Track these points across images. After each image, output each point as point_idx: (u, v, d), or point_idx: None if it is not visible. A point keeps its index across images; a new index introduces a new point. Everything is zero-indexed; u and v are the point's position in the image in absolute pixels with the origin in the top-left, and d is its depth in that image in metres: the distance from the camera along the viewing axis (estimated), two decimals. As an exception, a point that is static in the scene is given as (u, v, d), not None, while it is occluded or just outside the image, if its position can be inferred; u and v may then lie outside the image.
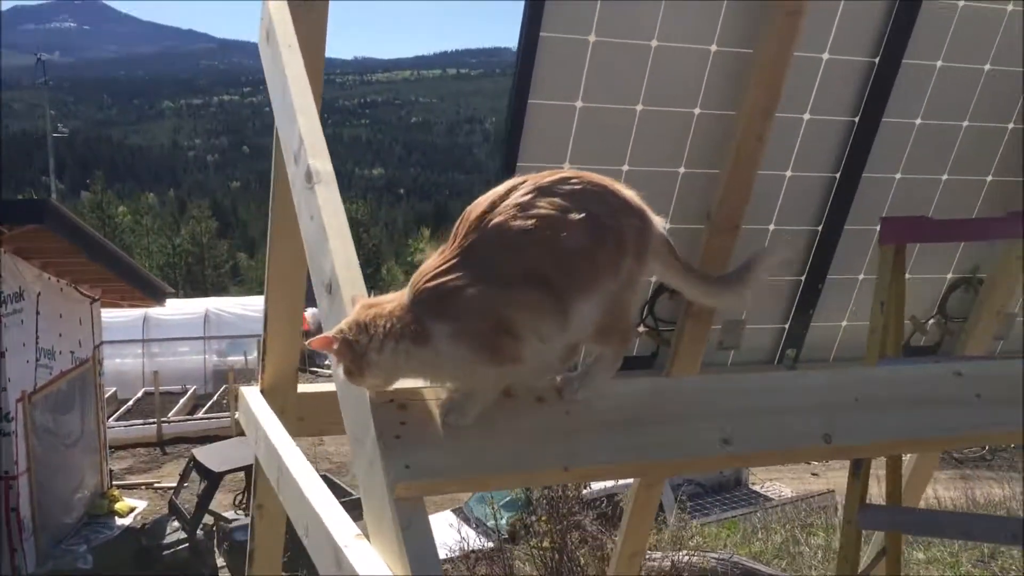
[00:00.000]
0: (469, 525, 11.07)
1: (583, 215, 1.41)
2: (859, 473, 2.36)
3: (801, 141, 2.89)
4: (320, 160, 1.83)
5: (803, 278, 3.15)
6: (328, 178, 1.80)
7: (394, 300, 1.43)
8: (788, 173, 2.93)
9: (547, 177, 1.45)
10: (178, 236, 51.34)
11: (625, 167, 2.80)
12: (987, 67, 2.93)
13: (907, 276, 3.30)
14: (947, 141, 3.03)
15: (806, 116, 2.85)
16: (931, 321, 3.37)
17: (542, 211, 1.40)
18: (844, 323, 3.29)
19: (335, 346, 1.42)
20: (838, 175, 2.98)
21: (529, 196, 1.42)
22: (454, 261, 1.40)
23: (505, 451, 1.42)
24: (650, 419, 1.52)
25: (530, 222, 1.39)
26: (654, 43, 2.64)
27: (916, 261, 3.21)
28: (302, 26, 2.16)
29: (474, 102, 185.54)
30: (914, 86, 2.89)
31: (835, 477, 12.33)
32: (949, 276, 3.32)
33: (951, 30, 2.83)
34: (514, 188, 1.44)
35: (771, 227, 3.01)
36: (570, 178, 1.45)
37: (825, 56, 2.77)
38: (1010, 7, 2.84)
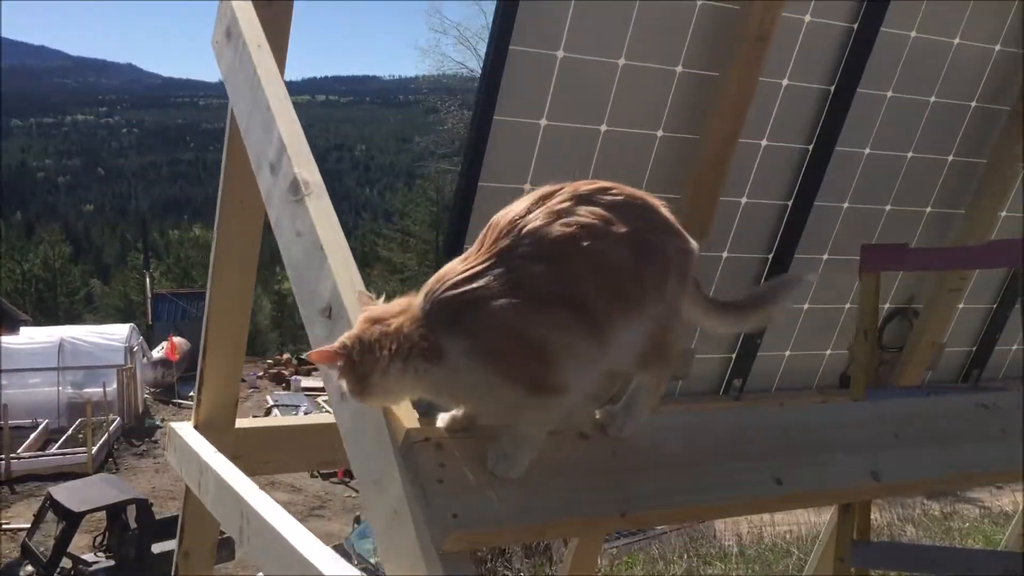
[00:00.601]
0: (351, 561, 10.70)
1: (627, 229, 1.27)
2: (850, 508, 2.30)
3: (758, 167, 2.85)
4: (308, 170, 1.64)
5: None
6: (319, 190, 1.61)
7: (403, 312, 1.24)
8: (743, 200, 2.89)
9: (585, 185, 1.30)
10: (27, 261, 48.49)
11: (586, 190, 2.68)
12: (932, 99, 2.97)
13: (846, 306, 3.32)
14: (893, 171, 3.05)
15: (763, 142, 2.81)
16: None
17: (583, 219, 1.25)
18: (788, 353, 3.26)
19: (339, 363, 1.23)
20: (790, 203, 2.95)
21: (568, 203, 1.27)
22: (479, 267, 1.22)
23: (558, 496, 1.26)
24: (701, 459, 1.39)
25: (570, 229, 1.24)
26: (621, 61, 2.54)
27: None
28: (267, 26, 1.95)
29: (343, 129, 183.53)
30: (866, 116, 2.90)
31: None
32: (886, 306, 3.34)
33: (902, 62, 2.86)
34: (549, 195, 1.28)
35: (724, 254, 2.95)
36: (610, 188, 1.30)
37: (784, 82, 2.75)
38: (957, 40, 2.89)
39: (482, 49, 26.92)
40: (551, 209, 1.26)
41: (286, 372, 27.28)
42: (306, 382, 24.56)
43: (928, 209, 3.17)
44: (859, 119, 2.88)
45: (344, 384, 1.24)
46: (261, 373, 27.31)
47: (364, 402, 1.26)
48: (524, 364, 1.20)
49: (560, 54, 2.46)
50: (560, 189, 1.29)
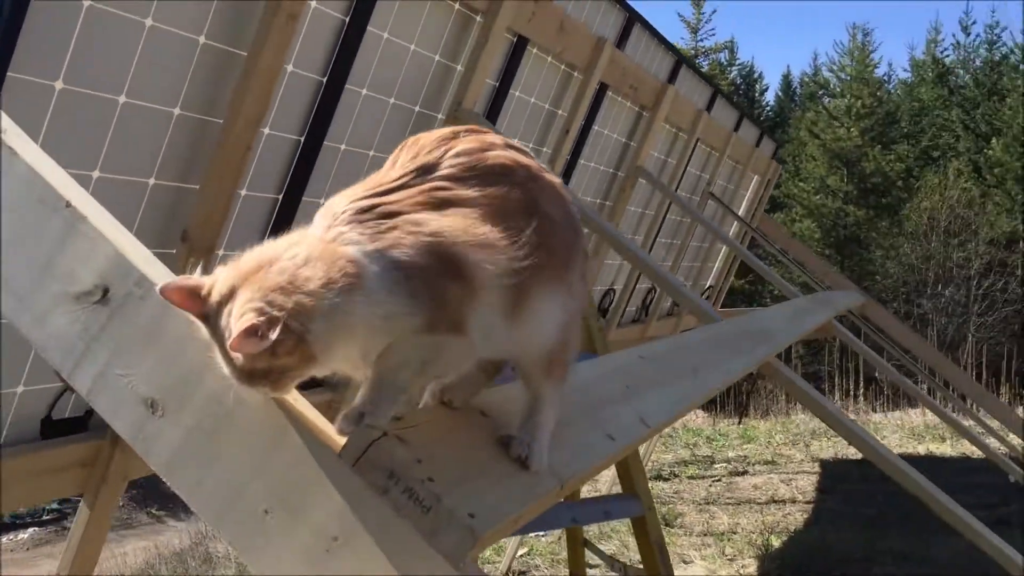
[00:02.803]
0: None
1: (556, 185, 1.16)
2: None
3: (258, 158, 2.65)
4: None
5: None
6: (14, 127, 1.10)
7: (298, 243, 0.98)
8: (243, 192, 2.65)
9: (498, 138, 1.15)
10: None
11: (96, 173, 2.18)
12: (392, 100, 3.12)
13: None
14: (360, 169, 3.11)
15: (265, 130, 2.63)
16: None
17: (521, 159, 1.11)
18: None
19: (272, 333, 0.90)
20: (281, 196, 2.81)
21: (500, 139, 1.12)
22: (402, 180, 1.02)
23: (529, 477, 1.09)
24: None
25: (509, 160, 1.09)
26: (148, 21, 2.13)
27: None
28: None
29: None
30: (347, 111, 2.91)
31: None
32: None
33: (376, 61, 2.94)
34: (469, 130, 1.11)
35: (220, 252, 2.67)
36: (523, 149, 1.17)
37: (289, 68, 2.61)
38: (413, 47, 3.08)
39: None
40: (482, 138, 1.08)
41: None
42: None
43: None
44: (342, 114, 2.88)
45: (281, 366, 0.93)
46: None
47: (296, 380, 0.98)
48: (439, 291, 0.97)
49: (86, 2, 1.96)
50: (474, 130, 1.11)
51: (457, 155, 1.04)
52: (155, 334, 1.03)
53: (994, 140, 22.76)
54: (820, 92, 28.32)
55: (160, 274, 1.05)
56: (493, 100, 3.65)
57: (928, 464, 8.71)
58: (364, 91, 2.95)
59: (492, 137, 1.10)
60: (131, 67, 2.14)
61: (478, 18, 3.30)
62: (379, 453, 0.96)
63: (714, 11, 27.49)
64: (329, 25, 2.68)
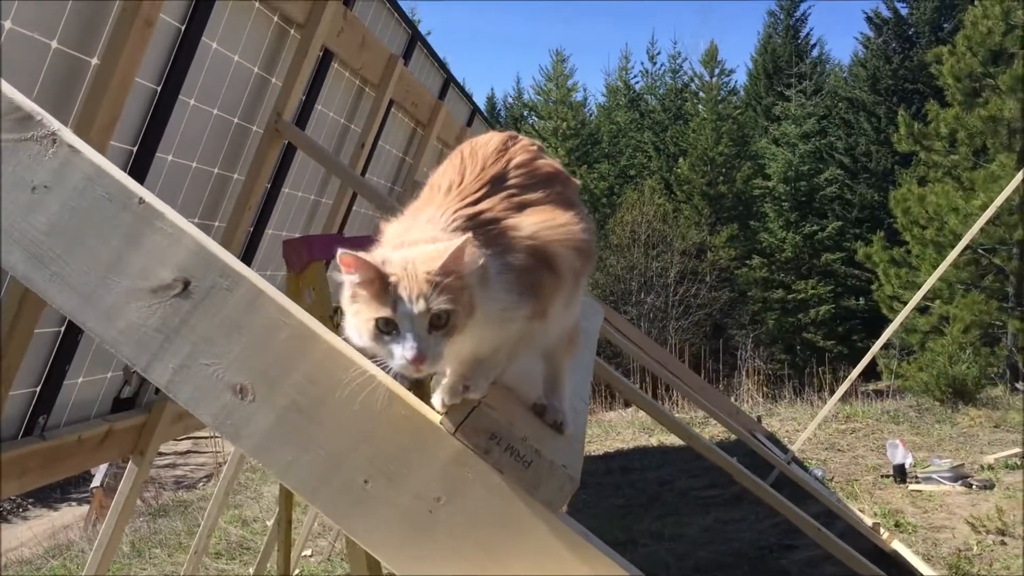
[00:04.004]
0: None
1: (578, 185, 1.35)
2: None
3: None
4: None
5: (62, 329, 2.70)
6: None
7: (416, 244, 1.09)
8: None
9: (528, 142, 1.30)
10: None
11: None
12: (215, 111, 3.07)
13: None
14: (182, 181, 3.03)
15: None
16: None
17: (555, 163, 1.30)
18: (109, 375, 2.91)
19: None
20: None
21: (536, 149, 1.28)
22: (483, 191, 1.17)
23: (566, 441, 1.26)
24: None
25: (551, 168, 1.27)
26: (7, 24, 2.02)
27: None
28: None
29: None
30: (176, 122, 2.84)
31: None
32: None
33: (203, 72, 2.89)
34: (512, 138, 1.26)
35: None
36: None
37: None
38: (236, 57, 3.06)
39: None
40: (528, 149, 1.24)
41: None
42: None
43: (195, 220, 3.23)
44: (172, 125, 2.81)
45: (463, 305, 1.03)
46: None
47: (450, 337, 1.06)
48: (536, 284, 1.13)
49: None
50: (516, 136, 1.26)
51: (518, 167, 1.19)
52: (242, 322, 1.06)
53: (681, 160, 25.24)
54: (528, 113, 29.93)
55: (243, 266, 1.08)
56: (300, 113, 3.67)
57: (661, 454, 9.58)
58: (192, 101, 2.89)
59: (527, 142, 1.25)
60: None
61: (292, 31, 3.32)
62: (480, 418, 1.07)
63: (428, 32, 28.13)
64: (167, 32, 2.62)
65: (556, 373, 1.30)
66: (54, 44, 2.19)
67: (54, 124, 1.07)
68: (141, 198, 1.06)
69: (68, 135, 1.07)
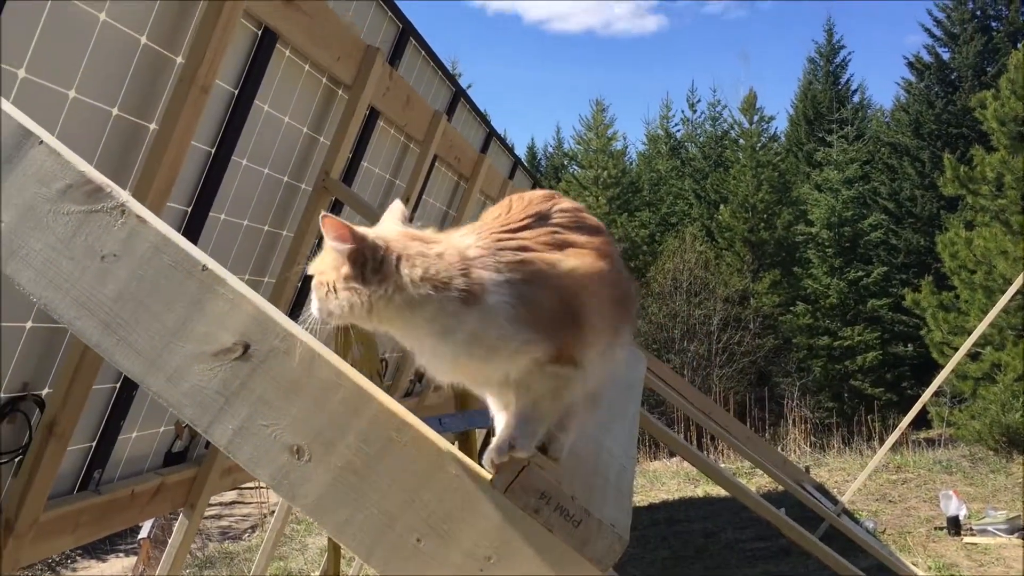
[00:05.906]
0: None
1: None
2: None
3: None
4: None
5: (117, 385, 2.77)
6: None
7: (442, 243, 1.16)
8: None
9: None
10: None
11: None
12: (266, 171, 3.16)
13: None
14: (234, 238, 3.11)
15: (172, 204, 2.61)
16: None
17: (600, 224, 1.31)
18: (162, 429, 2.98)
19: (348, 246, 1.11)
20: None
21: (575, 207, 1.30)
22: (525, 222, 1.19)
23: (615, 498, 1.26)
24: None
25: (597, 223, 1.30)
26: (71, 93, 2.11)
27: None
28: None
29: None
30: (229, 182, 2.93)
31: None
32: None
33: (255, 133, 2.98)
34: (552, 196, 1.29)
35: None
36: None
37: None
38: (287, 119, 3.15)
39: None
40: (573, 203, 1.27)
41: None
42: None
43: (245, 277, 3.31)
44: (226, 185, 2.89)
45: (333, 278, 1.12)
46: None
47: (331, 318, 1.14)
48: (561, 325, 1.13)
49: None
50: (555, 195, 1.29)
51: (562, 211, 1.21)
52: (300, 384, 1.10)
53: (722, 206, 25.19)
54: (568, 162, 30.15)
55: (299, 328, 1.12)
56: (347, 170, 3.76)
57: (707, 504, 9.45)
58: (244, 161, 2.98)
59: (572, 202, 1.28)
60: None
61: (340, 91, 3.41)
62: (530, 478, 1.09)
63: (469, 85, 28.56)
64: (221, 95, 2.71)
65: (568, 410, 1.29)
66: (115, 111, 2.28)
67: (123, 195, 1.12)
68: (204, 265, 1.11)
69: (136, 206, 1.13)
